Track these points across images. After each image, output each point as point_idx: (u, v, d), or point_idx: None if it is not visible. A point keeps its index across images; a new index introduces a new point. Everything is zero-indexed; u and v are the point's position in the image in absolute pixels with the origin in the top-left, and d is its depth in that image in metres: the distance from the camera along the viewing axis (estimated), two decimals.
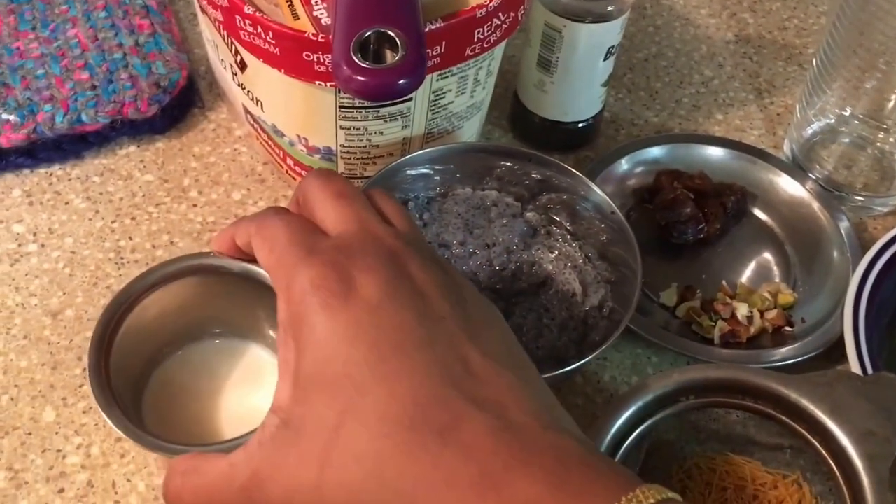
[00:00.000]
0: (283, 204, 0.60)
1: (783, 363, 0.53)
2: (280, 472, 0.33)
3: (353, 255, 0.34)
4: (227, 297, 0.46)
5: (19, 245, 0.57)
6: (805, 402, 0.44)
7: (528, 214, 0.56)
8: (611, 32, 0.58)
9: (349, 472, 0.31)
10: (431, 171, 0.55)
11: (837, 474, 0.44)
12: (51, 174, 0.61)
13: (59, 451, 0.48)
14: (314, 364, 0.32)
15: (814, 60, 0.63)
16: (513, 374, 0.33)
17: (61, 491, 0.47)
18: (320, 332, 0.32)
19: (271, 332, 0.47)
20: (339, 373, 0.32)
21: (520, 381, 0.33)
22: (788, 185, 0.63)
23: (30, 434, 0.49)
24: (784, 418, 0.45)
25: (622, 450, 0.44)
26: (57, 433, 0.49)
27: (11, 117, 0.59)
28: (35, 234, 0.57)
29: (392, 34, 0.42)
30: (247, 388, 0.46)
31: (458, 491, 0.30)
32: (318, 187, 0.37)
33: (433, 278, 0.35)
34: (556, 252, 0.55)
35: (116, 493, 0.47)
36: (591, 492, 0.30)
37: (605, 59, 0.59)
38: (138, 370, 0.46)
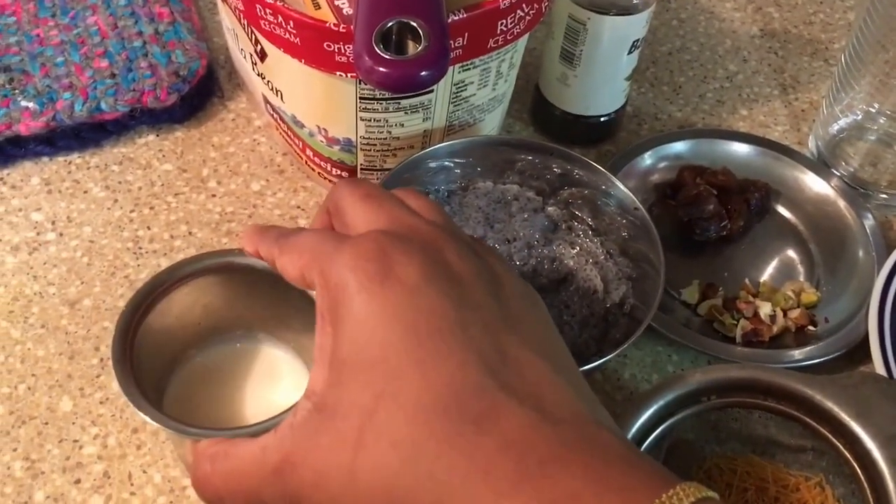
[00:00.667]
0: (301, 195, 0.60)
1: (806, 363, 0.53)
2: (312, 455, 0.32)
3: (389, 241, 0.34)
4: (253, 295, 0.45)
5: (38, 233, 0.57)
6: (829, 404, 0.44)
7: (550, 209, 0.56)
8: (636, 25, 0.57)
9: (384, 457, 0.31)
10: (452, 165, 0.55)
11: (861, 477, 0.43)
12: (69, 162, 0.61)
13: (75, 441, 0.48)
14: (350, 347, 0.32)
15: (842, 56, 0.62)
16: (549, 365, 0.33)
17: (77, 481, 0.47)
18: (357, 315, 0.32)
19: (297, 334, 0.47)
20: (375, 356, 0.32)
21: (556, 372, 0.33)
22: (813, 183, 0.62)
23: (46, 424, 0.49)
24: (807, 419, 0.45)
25: (642, 449, 0.44)
26: (74, 423, 0.49)
27: (31, 105, 0.59)
28: (53, 223, 0.57)
29: (415, 25, 0.42)
30: (270, 390, 0.46)
31: (494, 482, 0.30)
32: (347, 192, 0.37)
33: (469, 267, 0.34)
34: (578, 248, 0.54)
35: (132, 484, 0.47)
36: (630, 487, 0.29)
37: (630, 52, 0.58)
38: (161, 366, 0.45)
